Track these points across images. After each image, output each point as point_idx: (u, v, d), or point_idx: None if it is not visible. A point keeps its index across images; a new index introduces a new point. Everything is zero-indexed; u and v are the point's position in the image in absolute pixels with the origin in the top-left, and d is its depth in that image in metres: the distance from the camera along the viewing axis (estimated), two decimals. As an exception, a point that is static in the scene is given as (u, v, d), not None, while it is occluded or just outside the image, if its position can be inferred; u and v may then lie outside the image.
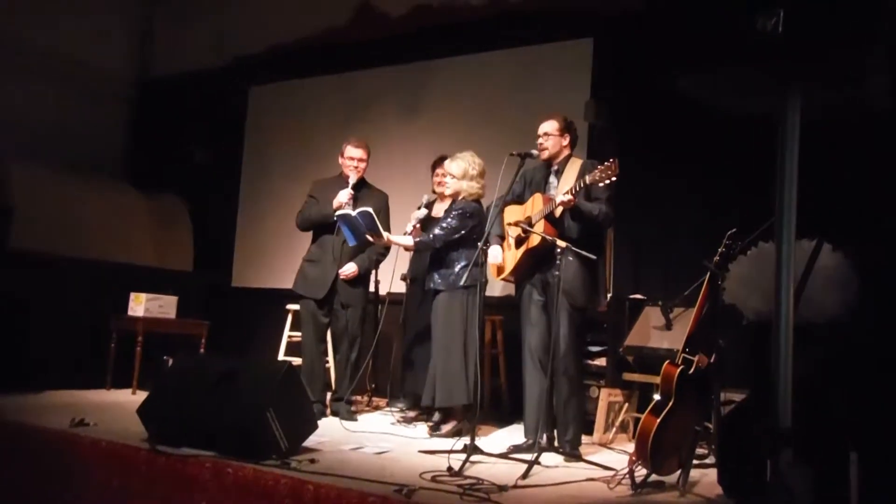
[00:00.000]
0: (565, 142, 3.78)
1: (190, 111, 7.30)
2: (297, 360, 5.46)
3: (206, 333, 5.88)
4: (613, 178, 3.37)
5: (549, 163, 3.81)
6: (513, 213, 3.86)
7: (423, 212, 4.31)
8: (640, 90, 4.98)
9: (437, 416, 4.13)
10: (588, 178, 3.44)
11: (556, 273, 3.44)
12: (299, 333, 5.40)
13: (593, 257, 3.51)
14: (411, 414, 4.55)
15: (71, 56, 6.88)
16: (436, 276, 4.13)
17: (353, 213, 3.98)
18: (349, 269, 4.39)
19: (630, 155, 5.00)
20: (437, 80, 6.11)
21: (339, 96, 6.59)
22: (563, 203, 3.54)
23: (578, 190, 3.49)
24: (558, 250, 3.43)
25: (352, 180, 4.41)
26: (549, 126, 3.77)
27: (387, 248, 4.48)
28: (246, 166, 7.11)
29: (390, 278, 4.85)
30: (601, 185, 3.42)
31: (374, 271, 4.68)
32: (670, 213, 4.92)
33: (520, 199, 3.88)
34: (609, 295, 4.74)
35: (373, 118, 6.29)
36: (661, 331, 4.26)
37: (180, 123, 7.34)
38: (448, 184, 4.19)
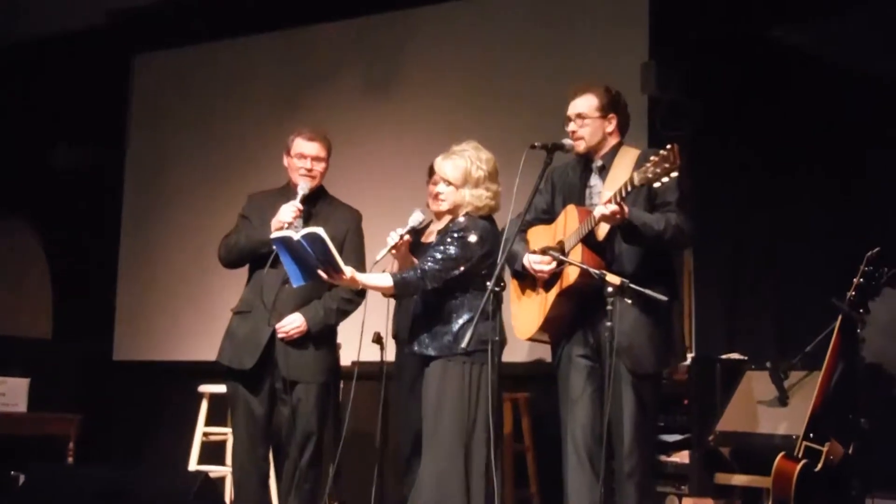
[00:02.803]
0: (610, 126, 3.80)
1: (44, 92, 7.33)
2: (218, 470, 5.39)
3: (77, 432, 5.84)
4: (673, 174, 3.37)
5: (588, 158, 3.83)
6: (540, 238, 3.86)
7: (417, 220, 4.22)
8: (724, 45, 5.04)
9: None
10: (637, 178, 3.43)
11: (609, 324, 3.41)
12: (222, 429, 5.33)
13: (664, 299, 3.47)
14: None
15: None
16: (424, 337, 4.08)
17: (297, 236, 3.93)
18: (291, 323, 4.30)
19: (715, 143, 5.06)
20: (423, 38, 6.18)
21: (277, 66, 6.64)
22: (604, 218, 3.52)
23: (626, 195, 3.48)
24: (609, 289, 3.40)
25: (302, 190, 4.33)
26: (585, 104, 3.79)
27: (357, 293, 4.45)
28: (132, 173, 7.13)
29: (359, 339, 4.84)
30: (657, 184, 3.42)
31: (335, 329, 4.63)
32: (780, 227, 4.94)
33: (548, 216, 3.91)
34: (690, 355, 4.73)
35: (330, 98, 6.33)
36: (771, 407, 4.24)
37: (31, 110, 7.35)
38: (442, 194, 4.17)
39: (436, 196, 4.56)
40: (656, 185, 3.38)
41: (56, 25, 7.16)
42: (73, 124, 7.23)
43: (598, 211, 3.50)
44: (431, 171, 4.84)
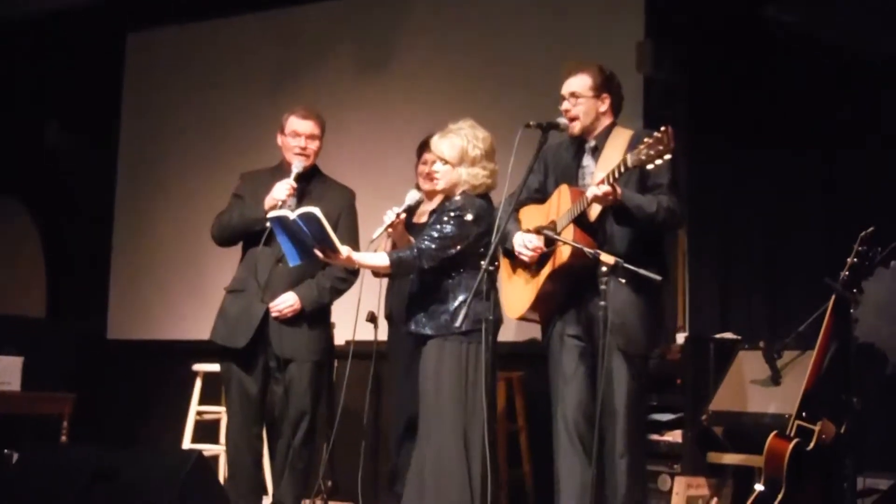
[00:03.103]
0: (603, 106, 3.80)
1: (37, 71, 7.32)
2: (212, 449, 5.38)
3: (71, 411, 5.82)
4: (666, 157, 3.38)
5: (581, 138, 3.83)
6: (532, 217, 3.87)
7: (414, 198, 4.22)
8: (722, 24, 5.03)
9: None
10: (630, 160, 3.45)
11: (602, 303, 3.41)
12: (216, 408, 5.34)
13: (657, 278, 3.46)
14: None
15: None
16: (420, 316, 4.08)
17: (293, 216, 3.94)
18: (284, 302, 4.32)
19: (709, 123, 5.06)
20: (415, 17, 6.16)
21: (270, 45, 6.63)
22: (596, 198, 3.54)
23: (618, 176, 3.49)
24: (603, 268, 3.40)
25: (296, 168, 4.36)
26: (579, 83, 3.79)
27: (351, 272, 4.46)
28: (125, 154, 7.13)
29: (354, 318, 4.85)
30: (650, 166, 3.42)
31: (329, 308, 4.64)
32: (773, 208, 4.95)
33: (540, 195, 3.92)
34: (683, 335, 4.76)
35: (322, 77, 6.33)
36: (763, 387, 4.25)
37: (24, 89, 7.34)
38: (439, 173, 4.16)
39: (429, 175, 4.56)
40: (649, 167, 3.39)
41: (49, 3, 7.13)
42: (66, 104, 7.21)
43: (591, 192, 3.52)
44: (421, 151, 4.88)
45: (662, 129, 3.35)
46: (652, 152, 3.35)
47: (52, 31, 7.25)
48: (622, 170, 3.45)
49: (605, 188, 3.47)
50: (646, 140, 3.40)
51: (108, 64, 7.16)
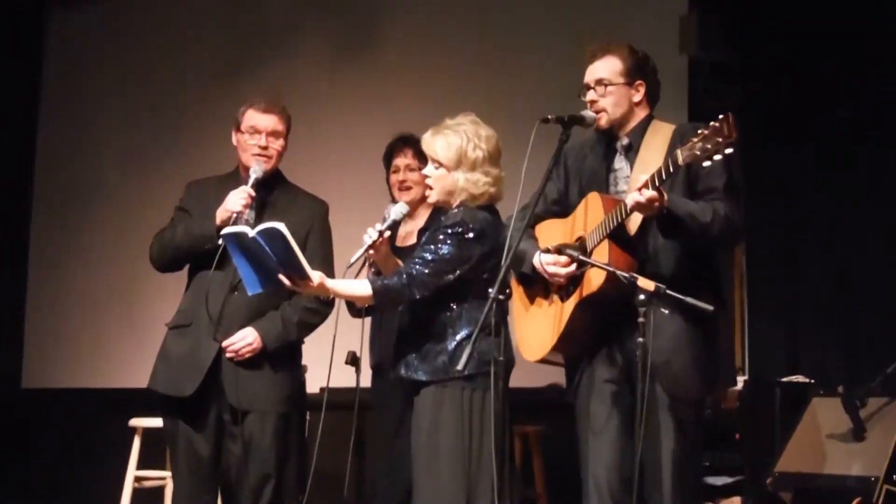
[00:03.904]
0: (637, 95, 3.81)
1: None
2: (152, 524, 5.42)
3: None
4: (727, 151, 3.34)
5: (611, 135, 3.84)
6: (552, 234, 3.85)
7: (401, 212, 4.22)
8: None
9: None
10: (682, 156, 3.41)
11: (640, 340, 3.41)
12: (159, 473, 5.34)
13: (709, 308, 3.46)
14: None
15: None
16: (412, 358, 4.07)
17: (252, 233, 3.92)
18: (242, 339, 4.31)
19: (769, 114, 5.09)
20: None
21: (223, 26, 6.70)
22: (639, 205, 3.50)
23: (666, 177, 3.46)
24: (641, 296, 3.40)
25: (255, 172, 4.36)
26: (606, 67, 3.81)
27: (324, 302, 4.44)
28: (43, 156, 7.17)
29: (320, 359, 4.85)
30: (707, 163, 3.39)
31: (298, 347, 4.62)
32: (852, 220, 4.94)
33: (559, 207, 3.92)
34: (742, 378, 4.75)
35: (287, 65, 6.38)
36: (843, 442, 4.25)
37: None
38: (432, 179, 4.12)
39: (402, 184, 4.73)
40: (706, 163, 3.35)
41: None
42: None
43: (632, 198, 3.48)
44: (390, 156, 4.96)
45: (721, 116, 3.31)
46: (709, 145, 3.33)
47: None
48: (671, 170, 3.43)
49: (650, 193, 3.43)
50: (700, 131, 3.37)
51: (24, 46, 7.22)
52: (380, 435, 4.87)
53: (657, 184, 3.44)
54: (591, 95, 3.79)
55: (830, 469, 4.23)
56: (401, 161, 4.82)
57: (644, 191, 3.44)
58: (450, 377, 3.93)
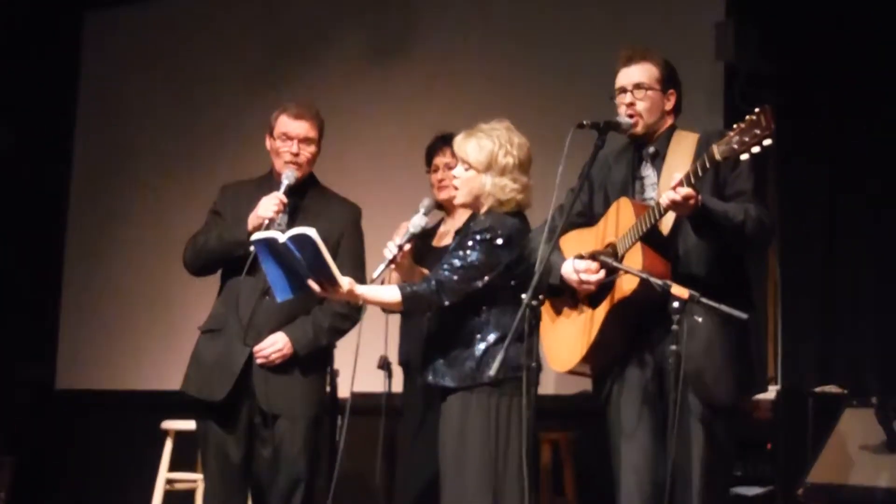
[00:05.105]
0: (669, 104, 3.83)
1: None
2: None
3: (11, 479, 5.93)
4: (766, 143, 3.32)
5: (638, 142, 3.85)
6: (577, 244, 3.86)
7: (419, 225, 4.22)
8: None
9: None
10: (718, 151, 3.40)
11: (674, 348, 3.39)
12: (190, 475, 5.36)
13: (743, 316, 3.43)
14: None
15: None
16: (440, 364, 4.08)
17: (283, 238, 3.94)
18: (272, 345, 4.35)
19: (807, 122, 5.06)
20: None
21: (257, 28, 6.70)
22: (674, 204, 3.48)
23: (702, 174, 3.46)
24: (676, 304, 3.38)
25: (287, 179, 4.39)
26: (644, 73, 3.80)
27: (354, 308, 4.43)
28: (81, 161, 7.19)
29: (352, 364, 4.84)
30: (745, 156, 3.38)
31: (329, 352, 4.63)
32: (890, 224, 4.93)
33: (584, 219, 3.92)
34: (774, 388, 4.71)
35: (322, 68, 6.37)
36: (876, 454, 4.23)
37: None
38: (459, 181, 4.14)
39: (440, 183, 4.74)
40: (744, 156, 3.36)
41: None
42: (9, 103, 7.26)
43: (667, 197, 3.47)
44: (431, 155, 4.97)
45: (758, 109, 3.32)
46: (746, 138, 3.32)
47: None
48: (707, 166, 3.43)
49: (685, 191, 3.42)
50: (736, 125, 3.37)
51: (62, 50, 7.25)
52: (403, 436, 4.91)
53: (692, 181, 3.45)
54: (627, 98, 3.79)
55: (862, 480, 4.20)
56: (440, 160, 4.83)
57: (679, 189, 3.43)
58: (477, 383, 3.94)
